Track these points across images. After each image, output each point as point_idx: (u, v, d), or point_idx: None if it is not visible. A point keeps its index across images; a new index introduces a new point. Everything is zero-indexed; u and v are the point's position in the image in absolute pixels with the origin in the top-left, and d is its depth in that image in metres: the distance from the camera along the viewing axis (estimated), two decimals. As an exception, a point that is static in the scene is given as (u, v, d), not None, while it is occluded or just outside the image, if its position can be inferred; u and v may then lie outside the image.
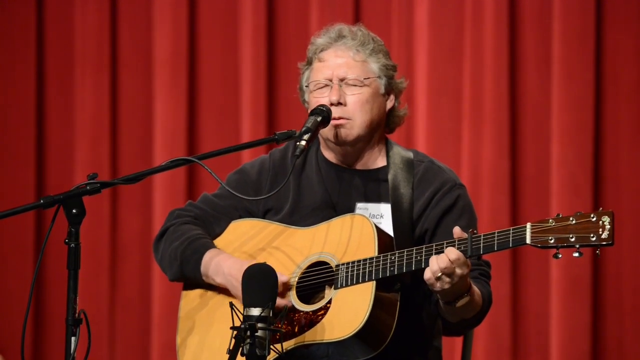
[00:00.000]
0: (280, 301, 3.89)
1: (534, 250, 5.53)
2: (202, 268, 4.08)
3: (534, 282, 6.25)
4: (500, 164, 6.24)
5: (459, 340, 4.43)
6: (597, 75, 6.26)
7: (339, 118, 4.05)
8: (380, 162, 4.16)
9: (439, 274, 3.72)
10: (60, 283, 6.49)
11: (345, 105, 4.06)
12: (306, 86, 4.16)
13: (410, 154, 4.16)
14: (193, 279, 4.12)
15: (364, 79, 4.08)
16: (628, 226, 6.19)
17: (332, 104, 4.05)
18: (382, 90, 4.12)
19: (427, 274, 3.75)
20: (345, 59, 4.10)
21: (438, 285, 3.74)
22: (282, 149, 4.25)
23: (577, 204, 6.13)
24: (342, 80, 4.08)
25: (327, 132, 4.08)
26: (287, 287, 3.95)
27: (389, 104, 4.15)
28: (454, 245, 3.74)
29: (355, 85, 4.07)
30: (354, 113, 4.06)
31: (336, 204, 4.12)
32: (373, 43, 4.11)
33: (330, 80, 4.08)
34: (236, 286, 3.96)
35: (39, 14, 6.61)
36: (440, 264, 3.72)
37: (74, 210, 3.63)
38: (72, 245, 3.62)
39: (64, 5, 6.60)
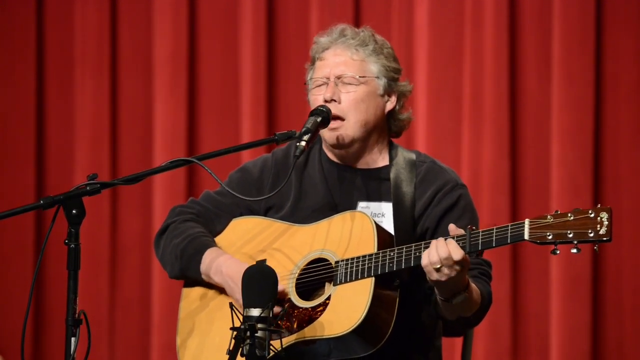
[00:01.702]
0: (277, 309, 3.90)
1: (534, 249, 5.53)
2: (203, 267, 4.08)
3: (534, 282, 6.25)
4: (500, 165, 6.24)
5: (459, 340, 4.43)
6: (597, 76, 6.26)
7: (334, 118, 4.06)
8: (382, 162, 4.16)
9: (438, 265, 3.71)
10: (60, 283, 6.49)
11: (339, 103, 4.07)
12: (305, 84, 4.18)
13: (413, 155, 4.17)
14: (193, 278, 4.12)
15: (360, 77, 4.08)
16: (628, 226, 6.20)
17: (326, 101, 4.06)
18: (381, 90, 4.12)
19: (425, 260, 3.74)
20: (344, 57, 4.11)
21: (435, 276, 3.73)
22: (284, 148, 4.26)
23: (577, 204, 6.11)
24: (338, 78, 4.09)
25: (324, 134, 4.09)
26: (283, 295, 3.95)
27: (389, 105, 4.15)
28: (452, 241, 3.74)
29: (350, 84, 4.08)
30: (348, 111, 4.07)
31: (338, 203, 4.13)
32: (375, 44, 4.12)
33: (328, 78, 4.10)
34: (233, 287, 3.96)
35: (39, 14, 6.62)
36: (440, 253, 3.72)
37: (73, 211, 3.64)
38: (72, 245, 3.62)
39: (64, 5, 6.60)
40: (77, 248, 3.63)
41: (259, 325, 3.56)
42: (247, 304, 3.59)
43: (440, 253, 3.71)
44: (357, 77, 4.08)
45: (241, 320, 3.59)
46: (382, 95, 4.13)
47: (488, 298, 3.98)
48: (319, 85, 4.12)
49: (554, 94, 6.25)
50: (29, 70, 6.59)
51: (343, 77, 4.08)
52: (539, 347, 6.24)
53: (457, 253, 3.71)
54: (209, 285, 4.11)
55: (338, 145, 4.09)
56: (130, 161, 6.55)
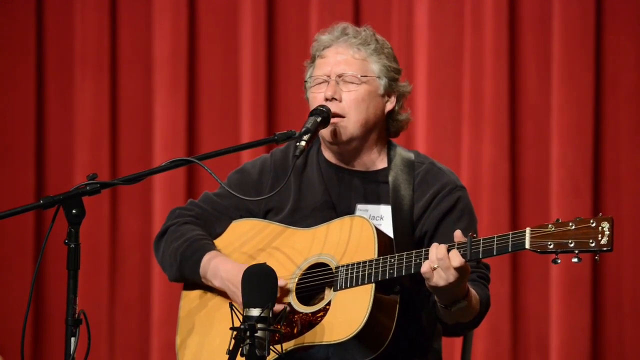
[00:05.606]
0: (277, 306, 3.89)
1: (534, 253, 5.53)
2: (201, 270, 4.08)
3: (533, 284, 6.25)
4: (500, 166, 6.24)
5: (458, 342, 4.43)
6: (597, 76, 6.26)
7: (334, 116, 4.05)
8: (381, 163, 4.15)
9: (435, 265, 3.71)
10: (60, 283, 6.49)
11: (340, 101, 4.06)
12: (306, 82, 4.17)
13: (412, 155, 4.15)
14: (192, 281, 4.12)
15: (361, 76, 4.07)
16: (628, 228, 6.19)
17: (327, 99, 4.04)
18: (381, 90, 4.11)
19: (425, 267, 3.74)
20: (345, 56, 4.10)
21: (434, 279, 3.72)
22: (283, 149, 4.25)
23: (577, 205, 6.13)
24: (339, 76, 4.07)
25: (323, 130, 4.08)
26: (284, 291, 3.95)
27: (389, 105, 4.14)
28: (453, 248, 3.73)
29: (352, 83, 4.07)
30: (349, 110, 4.06)
31: (336, 205, 4.12)
32: (376, 43, 4.11)
33: (329, 76, 4.08)
34: (234, 291, 3.96)
35: (39, 14, 6.62)
36: (437, 254, 3.71)
37: (73, 211, 3.64)
38: (72, 245, 3.62)
39: (64, 6, 6.60)
40: (77, 248, 3.62)
41: (259, 325, 3.56)
42: (247, 304, 3.59)
43: (437, 253, 3.71)
44: (359, 76, 4.07)
45: (241, 320, 3.59)
46: (383, 96, 4.12)
47: (487, 303, 3.96)
48: (319, 83, 4.11)
49: (554, 94, 6.25)
50: (29, 70, 6.59)
51: (344, 75, 4.07)
52: (539, 348, 6.23)
53: (456, 260, 3.71)
54: (209, 286, 4.11)
55: (335, 141, 4.07)
56: (130, 161, 6.55)
